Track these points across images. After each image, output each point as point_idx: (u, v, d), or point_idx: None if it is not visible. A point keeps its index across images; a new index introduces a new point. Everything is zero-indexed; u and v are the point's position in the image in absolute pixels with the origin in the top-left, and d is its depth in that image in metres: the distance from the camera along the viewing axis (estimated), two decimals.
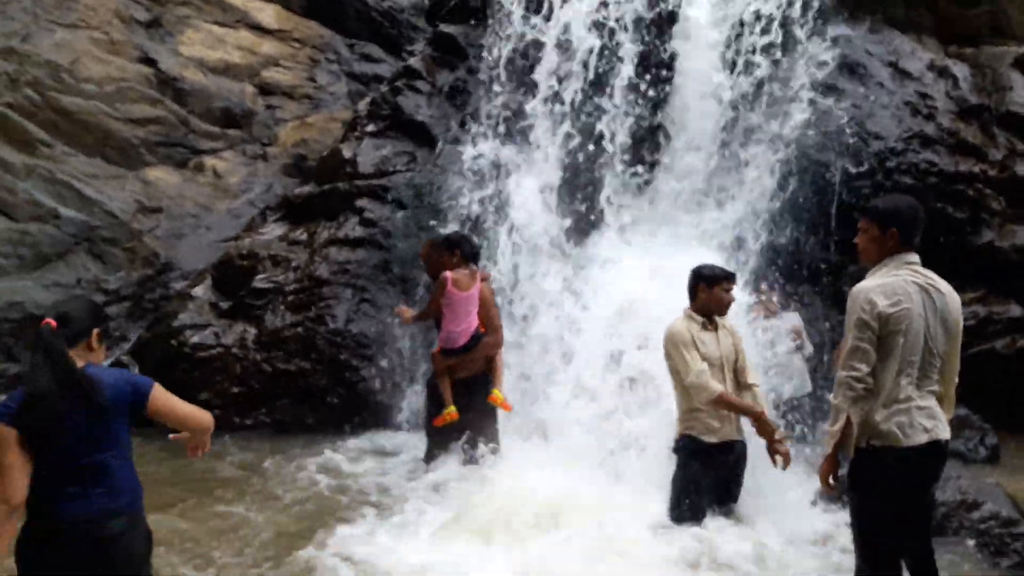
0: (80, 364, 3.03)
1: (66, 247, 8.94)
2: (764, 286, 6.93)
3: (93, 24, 10.50)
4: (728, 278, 5.16)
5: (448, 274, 6.09)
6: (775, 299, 6.80)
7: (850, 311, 3.61)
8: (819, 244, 7.48)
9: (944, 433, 3.62)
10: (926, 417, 3.56)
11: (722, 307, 5.12)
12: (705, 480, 4.95)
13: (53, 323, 3.02)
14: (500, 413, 6.20)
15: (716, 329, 5.10)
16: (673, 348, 5.00)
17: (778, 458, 4.74)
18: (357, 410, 7.26)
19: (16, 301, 8.35)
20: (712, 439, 4.96)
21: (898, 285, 3.59)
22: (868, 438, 3.57)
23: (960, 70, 8.17)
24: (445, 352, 6.17)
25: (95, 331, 3.15)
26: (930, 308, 3.61)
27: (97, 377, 3.03)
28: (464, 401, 6.11)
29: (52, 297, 8.39)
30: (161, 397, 3.12)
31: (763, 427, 4.82)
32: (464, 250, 6.21)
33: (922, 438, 3.53)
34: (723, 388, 4.88)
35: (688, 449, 4.99)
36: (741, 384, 5.09)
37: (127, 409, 3.08)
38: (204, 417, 3.22)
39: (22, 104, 9.45)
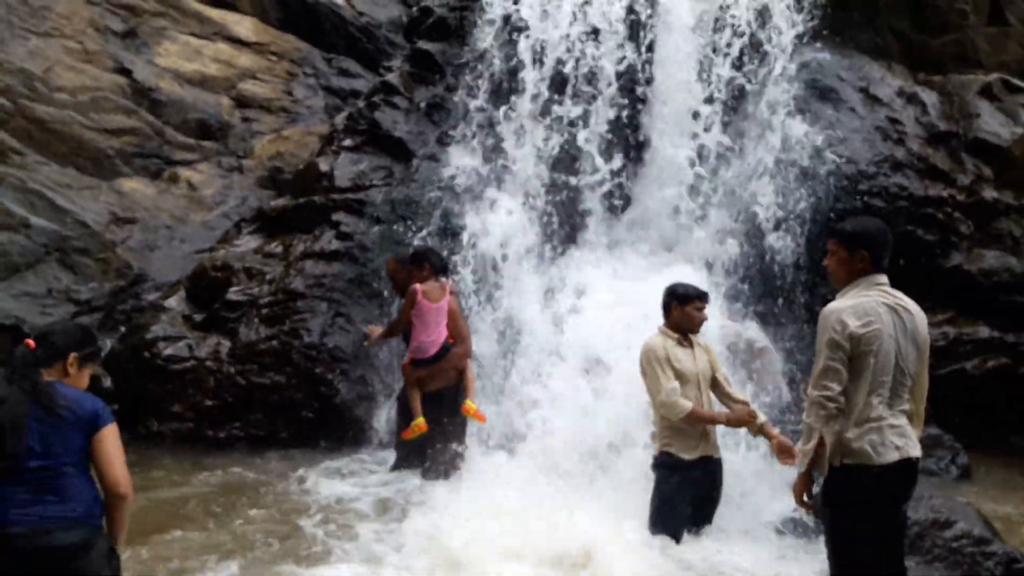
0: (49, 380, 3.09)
1: (37, 257, 8.81)
2: None
3: (67, 33, 10.42)
4: (700, 297, 5.24)
5: (418, 286, 6.25)
6: None
7: (821, 331, 3.66)
8: (792, 264, 7.58)
9: (915, 451, 3.68)
10: (897, 435, 3.62)
11: (694, 325, 5.19)
12: (682, 497, 4.98)
13: (31, 343, 3.13)
14: (470, 425, 6.25)
15: (691, 346, 5.17)
16: (647, 364, 5.06)
17: (783, 455, 4.77)
18: (332, 425, 7.21)
19: None
20: (689, 456, 5.00)
21: (868, 305, 3.64)
22: (841, 456, 3.61)
23: (928, 97, 8.38)
24: (415, 363, 6.30)
25: (72, 355, 3.18)
26: (900, 328, 3.67)
27: (60, 391, 3.06)
28: (434, 414, 6.19)
29: (21, 307, 8.28)
30: (109, 439, 3.09)
31: (748, 423, 4.94)
32: (433, 262, 6.40)
33: (893, 456, 3.58)
34: (692, 405, 4.93)
35: (666, 466, 5.03)
36: (730, 398, 5.16)
37: (86, 429, 3.07)
38: (124, 489, 3.10)
39: None
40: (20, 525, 2.93)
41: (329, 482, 6.25)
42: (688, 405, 4.90)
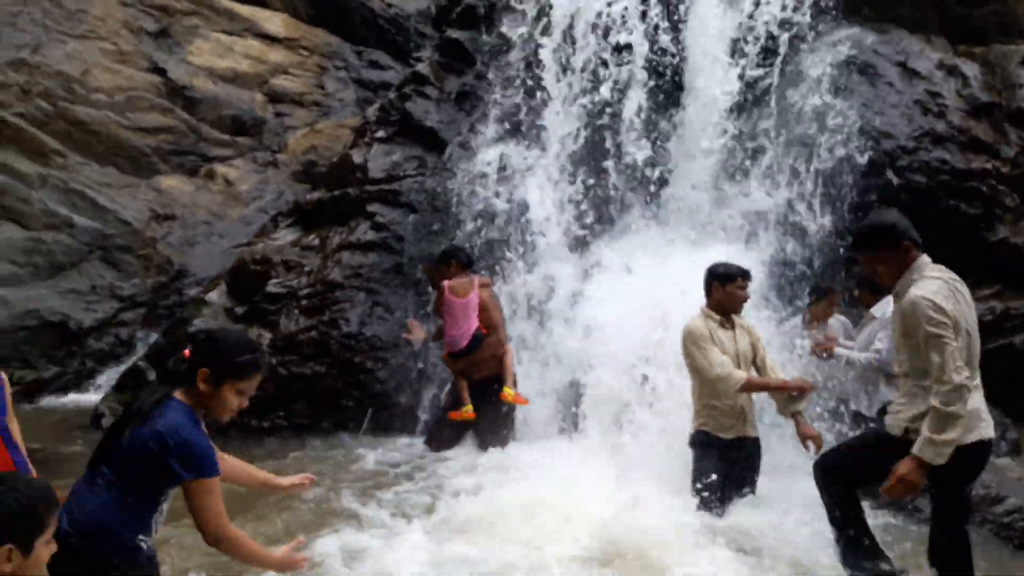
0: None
1: (80, 255, 8.99)
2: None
3: (103, 35, 10.58)
4: (742, 275, 5.18)
5: (446, 283, 6.62)
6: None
7: (919, 320, 3.59)
8: (832, 244, 7.48)
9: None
10: (986, 410, 3.75)
11: (736, 304, 5.15)
12: (720, 473, 4.96)
13: (186, 353, 2.88)
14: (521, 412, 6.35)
15: (733, 327, 5.13)
16: (693, 345, 5.02)
17: (809, 443, 4.76)
18: (374, 412, 7.27)
19: (31, 309, 8.40)
20: (726, 436, 5.00)
21: (943, 286, 3.65)
22: (968, 434, 3.63)
23: (969, 68, 8.18)
24: (451, 355, 6.64)
25: (202, 370, 2.84)
26: (965, 302, 3.71)
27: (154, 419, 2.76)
28: (477, 403, 6.50)
29: (67, 304, 8.45)
30: (199, 491, 2.74)
31: (798, 388, 4.89)
32: (460, 259, 6.75)
33: (992, 430, 3.73)
34: (747, 374, 4.91)
35: (702, 444, 5.04)
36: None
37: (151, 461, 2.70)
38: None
39: (34, 115, 9.52)
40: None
41: (369, 463, 6.35)
42: (743, 374, 4.89)
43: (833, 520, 4.04)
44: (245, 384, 2.88)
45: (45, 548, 2.26)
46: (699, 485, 4.92)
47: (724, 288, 5.11)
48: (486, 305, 6.59)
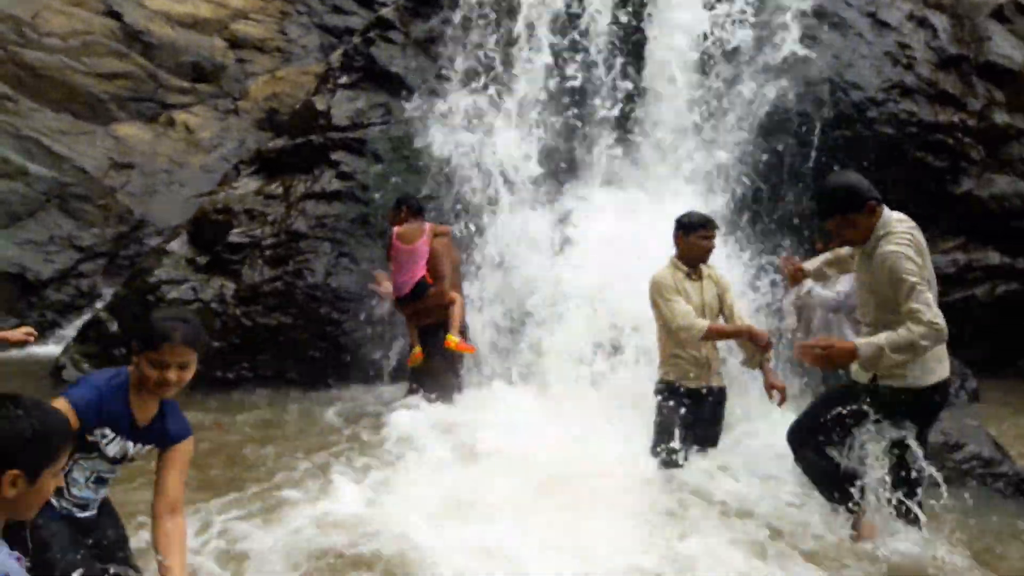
0: None
1: (37, 204, 8.75)
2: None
3: None
4: (705, 225, 5.16)
5: (395, 229, 6.62)
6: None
7: (896, 274, 3.70)
8: (798, 195, 7.48)
9: None
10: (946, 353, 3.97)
11: (701, 254, 5.16)
12: (681, 422, 5.00)
13: None
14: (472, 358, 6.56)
15: (700, 278, 5.13)
16: (658, 295, 5.04)
17: (775, 392, 4.82)
18: (340, 363, 7.21)
19: None
20: (689, 385, 5.05)
21: (912, 239, 3.80)
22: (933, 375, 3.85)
23: (939, 20, 8.17)
24: (397, 300, 6.67)
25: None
26: (927, 253, 3.85)
27: None
28: (427, 348, 6.53)
29: (25, 255, 8.26)
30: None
31: (757, 338, 4.93)
32: (410, 205, 6.77)
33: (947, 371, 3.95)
34: (708, 322, 4.94)
35: (665, 393, 5.08)
36: None
37: None
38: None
39: None
40: None
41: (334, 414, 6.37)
42: (705, 323, 4.91)
43: (816, 482, 4.22)
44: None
45: (52, 480, 2.21)
46: (659, 449, 4.96)
47: (687, 238, 5.11)
48: (435, 253, 6.56)
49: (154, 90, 10.14)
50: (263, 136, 9.90)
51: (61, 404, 2.71)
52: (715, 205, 7.22)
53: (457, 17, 8.52)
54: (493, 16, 8.27)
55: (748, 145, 7.54)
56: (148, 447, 2.99)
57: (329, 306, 7.35)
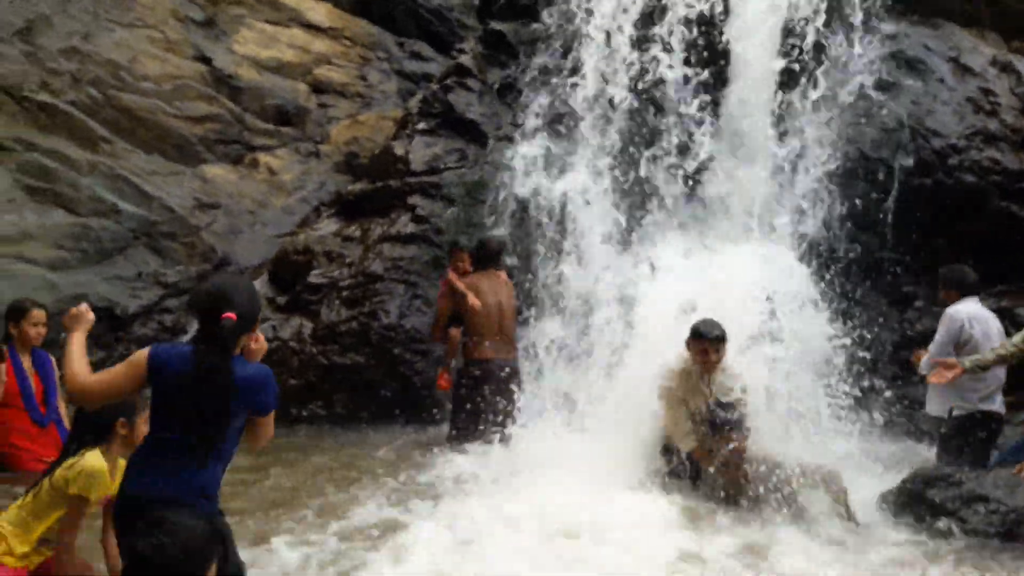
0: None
1: (126, 241, 9.13)
2: None
3: (150, 23, 10.70)
4: (701, 338, 5.21)
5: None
6: None
7: None
8: (878, 242, 7.38)
9: None
10: None
11: (701, 364, 5.26)
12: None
13: (232, 316, 2.94)
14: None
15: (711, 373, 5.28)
16: (662, 398, 5.37)
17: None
18: (410, 403, 7.33)
19: (79, 294, 8.53)
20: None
21: None
22: None
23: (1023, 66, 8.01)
24: None
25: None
26: None
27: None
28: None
29: (113, 290, 8.59)
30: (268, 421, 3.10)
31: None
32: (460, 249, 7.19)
33: None
34: (694, 444, 5.28)
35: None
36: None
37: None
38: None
39: (84, 102, 9.67)
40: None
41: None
42: (691, 445, 5.36)
43: None
44: None
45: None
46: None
47: (689, 345, 5.27)
48: (440, 292, 7.00)
49: (240, 133, 10.53)
50: (343, 179, 10.18)
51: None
52: (790, 253, 7.16)
53: (533, 65, 8.69)
54: (569, 65, 8.40)
55: (824, 193, 7.46)
56: None
57: (402, 346, 7.49)
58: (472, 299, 6.61)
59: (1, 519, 3.56)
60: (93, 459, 3.47)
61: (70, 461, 3.49)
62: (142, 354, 2.95)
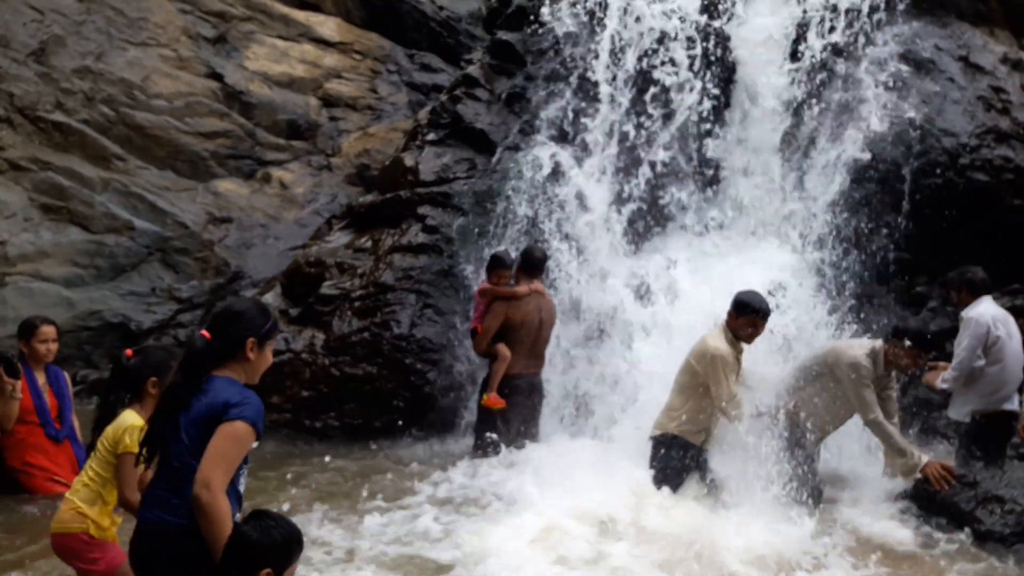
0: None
1: (140, 257, 9.23)
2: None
3: (162, 42, 10.83)
4: (757, 312, 5.37)
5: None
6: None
7: None
8: (891, 243, 7.33)
9: None
10: None
11: (745, 339, 5.45)
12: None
13: (206, 334, 3.02)
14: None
15: (741, 352, 5.50)
16: (720, 369, 5.28)
17: None
18: (423, 414, 7.33)
19: (95, 310, 8.66)
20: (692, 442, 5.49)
21: None
22: None
23: None
24: None
25: (250, 340, 3.01)
26: None
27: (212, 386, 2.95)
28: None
29: (128, 306, 8.68)
30: (228, 432, 2.87)
31: None
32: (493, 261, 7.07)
33: None
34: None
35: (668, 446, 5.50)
36: None
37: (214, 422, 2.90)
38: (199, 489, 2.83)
39: (98, 120, 9.80)
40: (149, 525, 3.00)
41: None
42: (745, 413, 5.42)
43: None
44: (274, 342, 3.19)
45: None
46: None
47: (739, 318, 5.36)
48: (490, 309, 6.80)
49: (251, 148, 10.62)
50: (354, 191, 10.24)
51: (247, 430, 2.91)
52: (799, 255, 7.13)
53: (540, 74, 8.70)
54: (577, 72, 8.41)
55: (834, 194, 7.42)
56: None
57: (414, 356, 7.50)
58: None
59: (77, 503, 3.75)
60: (131, 416, 3.70)
61: (112, 425, 3.70)
62: None
